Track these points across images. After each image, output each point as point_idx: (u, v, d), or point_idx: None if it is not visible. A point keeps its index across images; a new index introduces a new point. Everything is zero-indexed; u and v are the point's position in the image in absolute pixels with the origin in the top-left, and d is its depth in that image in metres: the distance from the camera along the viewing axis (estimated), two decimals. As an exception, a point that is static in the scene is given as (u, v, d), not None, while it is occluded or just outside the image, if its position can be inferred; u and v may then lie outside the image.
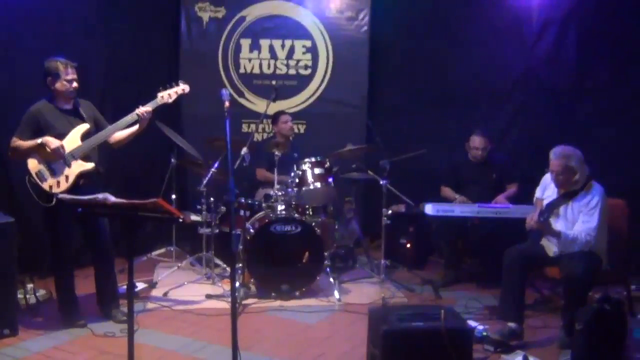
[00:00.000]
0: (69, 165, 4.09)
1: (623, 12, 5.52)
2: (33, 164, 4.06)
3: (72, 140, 4.13)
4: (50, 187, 4.05)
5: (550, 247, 4.21)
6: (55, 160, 4.05)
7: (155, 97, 4.33)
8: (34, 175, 4.05)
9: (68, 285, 4.28)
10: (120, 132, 4.31)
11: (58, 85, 4.11)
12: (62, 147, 4.05)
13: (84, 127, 4.18)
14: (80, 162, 4.12)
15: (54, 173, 4.06)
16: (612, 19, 5.58)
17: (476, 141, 5.47)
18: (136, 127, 4.30)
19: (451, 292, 5.09)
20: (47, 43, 5.18)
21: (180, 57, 6.44)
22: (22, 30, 5.15)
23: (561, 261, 4.08)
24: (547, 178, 4.31)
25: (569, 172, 4.05)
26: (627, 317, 3.71)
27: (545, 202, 4.23)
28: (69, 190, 4.03)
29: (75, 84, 4.16)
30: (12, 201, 4.82)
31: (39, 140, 4.02)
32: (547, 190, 4.33)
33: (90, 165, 4.16)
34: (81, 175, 4.12)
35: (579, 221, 4.05)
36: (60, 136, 4.10)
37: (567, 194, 4.11)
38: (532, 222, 4.08)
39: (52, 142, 4.01)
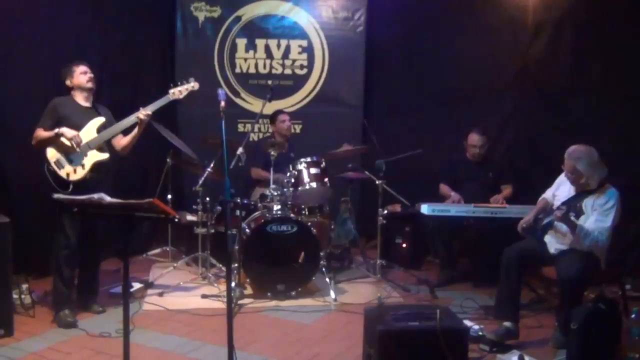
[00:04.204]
0: (86, 155, 4.24)
1: (616, 13, 5.53)
2: (52, 153, 4.21)
3: (89, 131, 4.30)
4: (68, 174, 4.20)
5: (552, 244, 4.20)
6: (72, 150, 4.18)
7: (167, 93, 4.42)
8: (52, 163, 4.19)
9: (69, 279, 4.31)
10: (125, 138, 4.45)
11: (75, 80, 4.31)
12: (78, 135, 4.19)
13: (100, 120, 4.36)
14: (95, 152, 4.28)
15: (71, 161, 4.21)
16: (606, 20, 5.59)
17: (474, 139, 5.47)
18: (135, 130, 4.41)
19: (447, 292, 5.09)
20: (42, 43, 5.17)
21: (176, 56, 6.44)
22: (17, 32, 5.12)
23: (558, 261, 4.09)
24: (562, 176, 4.29)
25: (576, 174, 4.06)
26: (622, 317, 3.73)
27: (557, 199, 4.24)
28: (85, 178, 4.18)
29: (90, 76, 4.33)
30: (8, 201, 4.81)
31: (56, 130, 4.17)
32: (562, 186, 4.32)
33: (105, 156, 4.33)
34: (95, 167, 4.25)
35: (592, 218, 4.02)
36: (77, 127, 4.26)
37: (582, 193, 4.11)
38: (524, 224, 4.12)
39: (68, 131, 4.18)
